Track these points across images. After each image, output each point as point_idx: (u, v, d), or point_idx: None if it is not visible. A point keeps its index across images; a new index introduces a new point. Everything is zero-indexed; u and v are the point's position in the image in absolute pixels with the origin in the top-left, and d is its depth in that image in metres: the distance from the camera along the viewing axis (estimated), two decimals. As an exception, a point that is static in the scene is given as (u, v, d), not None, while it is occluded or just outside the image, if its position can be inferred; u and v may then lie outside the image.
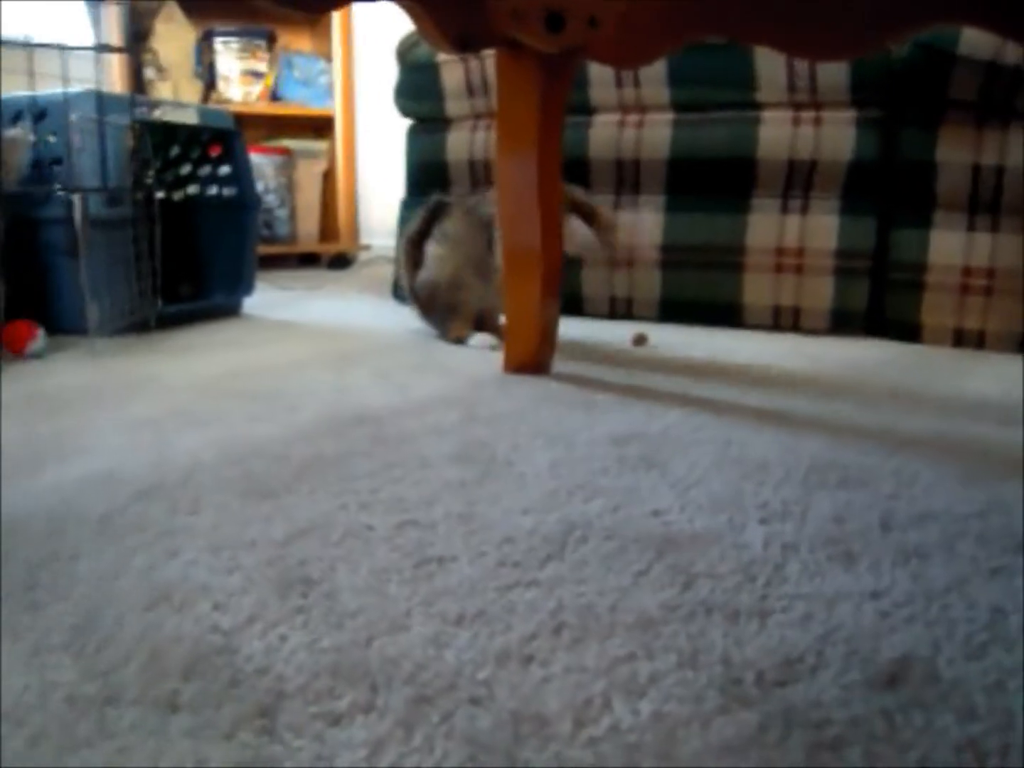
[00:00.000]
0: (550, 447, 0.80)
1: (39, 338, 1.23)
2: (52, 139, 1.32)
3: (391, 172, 2.70)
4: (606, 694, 0.41)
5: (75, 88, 1.26)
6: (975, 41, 1.33)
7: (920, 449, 0.82)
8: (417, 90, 1.72)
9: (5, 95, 1.27)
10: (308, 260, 2.76)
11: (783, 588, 0.52)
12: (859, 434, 0.87)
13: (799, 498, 0.68)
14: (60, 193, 1.24)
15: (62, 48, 1.11)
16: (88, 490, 0.69)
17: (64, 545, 0.58)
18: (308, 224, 2.67)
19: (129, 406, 0.96)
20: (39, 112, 1.29)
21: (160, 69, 2.05)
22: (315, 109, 2.56)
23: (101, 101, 1.23)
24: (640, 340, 1.35)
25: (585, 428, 0.87)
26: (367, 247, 2.75)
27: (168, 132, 1.47)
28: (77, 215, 1.18)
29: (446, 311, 1.35)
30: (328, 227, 2.70)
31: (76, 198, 1.19)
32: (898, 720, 0.39)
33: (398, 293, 1.83)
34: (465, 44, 1.00)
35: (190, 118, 1.45)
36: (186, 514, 0.64)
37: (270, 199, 2.51)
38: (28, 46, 1.19)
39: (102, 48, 1.37)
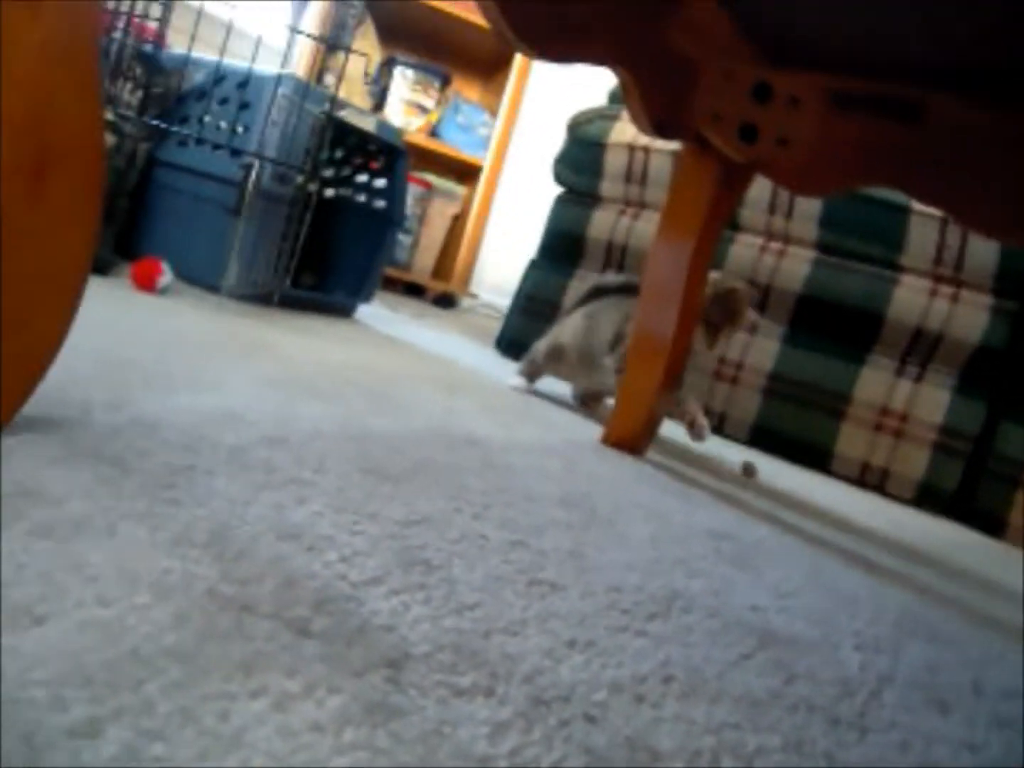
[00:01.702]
0: (649, 520, 0.81)
1: (167, 274, 1.27)
2: (240, 111, 1.41)
3: (516, 232, 2.79)
4: (715, 751, 0.41)
5: (266, 68, 1.36)
6: None
7: (1004, 631, 0.81)
8: (579, 163, 1.78)
9: (225, 61, 1.36)
10: (415, 291, 2.83)
11: (881, 712, 0.52)
12: (944, 602, 0.86)
13: (891, 638, 0.67)
14: (240, 156, 1.31)
15: (293, 31, 1.19)
16: (219, 421, 0.71)
17: (200, 461, 0.61)
18: (426, 258, 2.75)
19: (253, 364, 0.99)
20: (244, 81, 1.37)
21: (345, 76, 2.17)
22: (467, 155, 2.67)
23: (306, 87, 1.31)
24: (749, 471, 1.26)
25: (681, 513, 0.87)
26: (474, 295, 2.82)
27: (343, 133, 1.55)
28: (251, 180, 1.24)
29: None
30: (443, 266, 2.78)
31: (255, 164, 1.26)
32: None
33: (501, 345, 1.87)
34: (661, 128, 1.05)
35: (368, 126, 1.53)
36: (311, 471, 0.66)
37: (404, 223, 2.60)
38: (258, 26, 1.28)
39: (320, 40, 1.46)
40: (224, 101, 1.45)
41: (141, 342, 0.93)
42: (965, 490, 1.44)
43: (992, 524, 1.42)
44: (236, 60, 1.43)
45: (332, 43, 1.47)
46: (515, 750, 0.37)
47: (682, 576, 0.66)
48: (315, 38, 1.86)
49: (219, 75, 1.42)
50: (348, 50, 1.33)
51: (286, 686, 0.37)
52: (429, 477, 0.73)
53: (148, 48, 1.29)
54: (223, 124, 1.41)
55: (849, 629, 0.66)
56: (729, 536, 0.84)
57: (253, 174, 1.26)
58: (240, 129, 1.41)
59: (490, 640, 0.46)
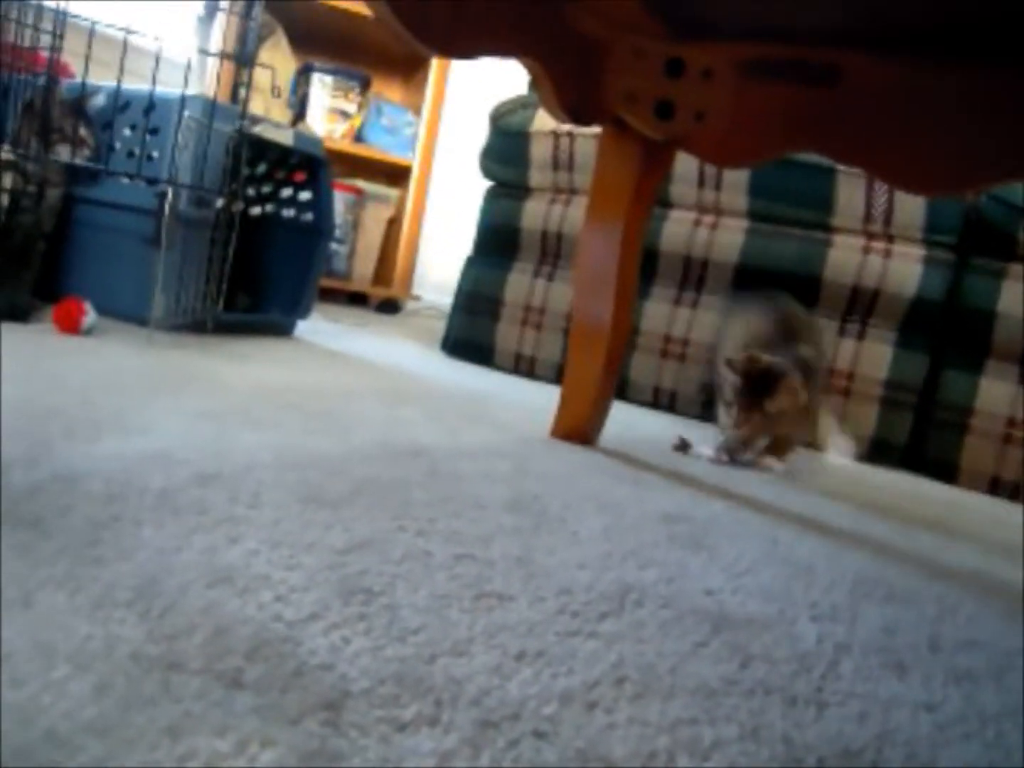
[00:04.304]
0: (600, 512, 0.80)
1: (90, 313, 1.23)
2: (149, 137, 1.37)
3: (453, 230, 2.77)
4: (671, 751, 0.40)
5: (167, 89, 1.32)
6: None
7: (960, 581, 0.82)
8: (504, 155, 1.77)
9: (123, 86, 1.32)
10: (357, 299, 2.80)
11: (838, 684, 0.52)
12: (899, 556, 0.86)
13: (847, 605, 0.67)
14: (155, 184, 1.27)
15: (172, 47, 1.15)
16: (148, 465, 0.69)
17: (126, 511, 0.58)
18: (365, 265, 2.72)
19: (186, 397, 0.96)
20: (149, 105, 1.34)
21: (259, 90, 2.13)
22: (394, 157, 2.64)
23: (213, 107, 1.28)
24: (684, 446, 1.23)
25: (634, 501, 0.87)
26: (417, 298, 2.79)
27: (261, 148, 1.52)
28: (167, 208, 1.21)
29: None
30: (383, 272, 2.75)
31: (170, 192, 1.22)
32: (966, 834, 0.38)
33: (447, 346, 1.86)
34: (577, 115, 1.04)
35: (286, 140, 1.50)
36: (246, 506, 0.64)
37: (335, 233, 2.56)
38: (158, 42, 1.24)
39: (226, 56, 1.42)
40: (133, 127, 1.41)
41: (63, 388, 0.90)
42: (916, 441, 1.46)
43: (945, 471, 1.44)
44: (140, 81, 1.39)
45: (236, 58, 1.43)
46: (462, 781, 0.36)
47: (634, 568, 0.66)
48: (211, 54, 1.81)
49: (124, 101, 1.38)
50: (252, 64, 1.30)
51: (216, 746, 0.35)
52: (371, 497, 0.71)
53: (43, 80, 1.24)
54: (135, 152, 1.38)
55: (805, 601, 0.66)
56: (682, 518, 0.83)
57: (168, 202, 1.23)
58: (155, 154, 1.37)
59: (435, 664, 0.45)
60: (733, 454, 1.18)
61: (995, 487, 1.40)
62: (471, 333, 1.81)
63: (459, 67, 2.70)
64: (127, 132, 1.42)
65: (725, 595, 0.63)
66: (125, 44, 1.24)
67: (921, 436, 1.46)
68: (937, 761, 0.45)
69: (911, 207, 1.46)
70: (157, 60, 1.25)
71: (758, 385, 1.13)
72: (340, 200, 2.53)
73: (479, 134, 1.85)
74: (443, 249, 2.89)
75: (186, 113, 1.26)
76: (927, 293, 1.46)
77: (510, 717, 0.41)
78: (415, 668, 0.44)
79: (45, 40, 1.21)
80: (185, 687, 0.39)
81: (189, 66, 1.23)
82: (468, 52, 0.86)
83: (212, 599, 0.48)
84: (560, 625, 0.52)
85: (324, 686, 0.41)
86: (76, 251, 1.42)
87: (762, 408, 1.13)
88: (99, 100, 1.38)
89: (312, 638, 0.45)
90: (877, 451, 1.47)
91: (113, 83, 1.31)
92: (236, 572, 0.52)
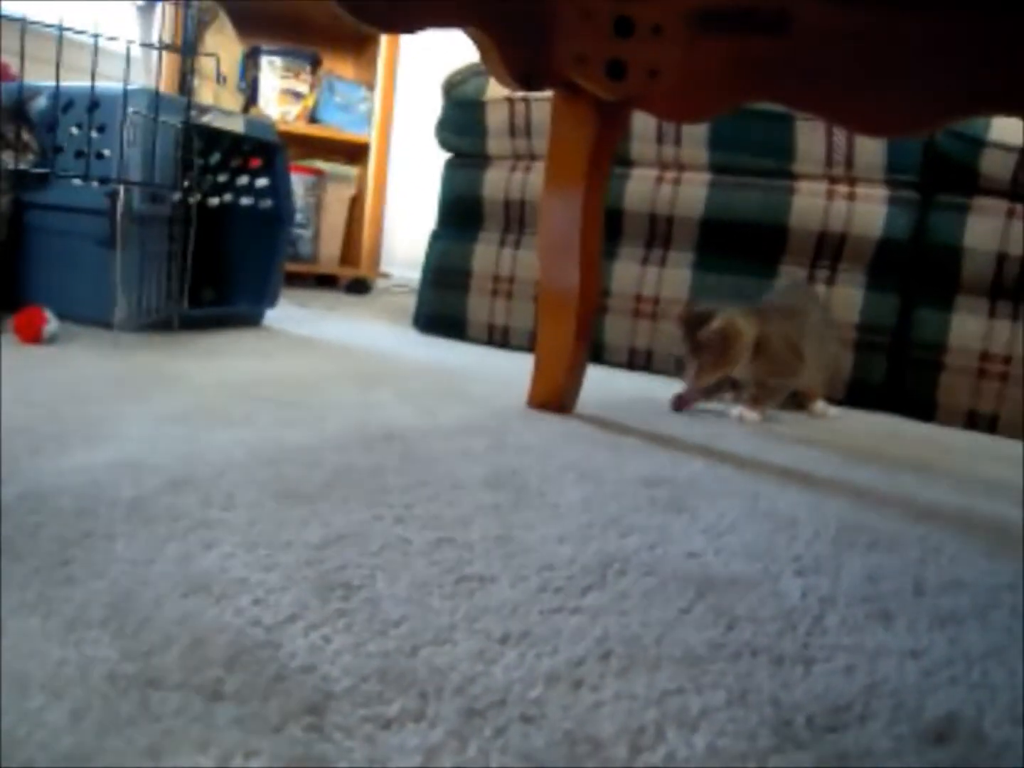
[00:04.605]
0: (580, 482, 0.80)
1: (51, 320, 1.21)
2: (96, 135, 1.34)
3: (418, 204, 2.74)
4: (659, 724, 0.40)
5: (110, 84, 1.29)
6: (1006, 129, 1.37)
7: (942, 521, 0.82)
8: (460, 125, 1.74)
9: (65, 84, 1.29)
10: (326, 282, 2.77)
11: (824, 639, 0.52)
12: (881, 501, 0.87)
13: (831, 555, 0.67)
14: (107, 184, 1.25)
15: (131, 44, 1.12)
16: (117, 475, 0.68)
17: (97, 525, 0.58)
18: (330, 246, 2.68)
19: (155, 400, 0.95)
20: (92, 103, 1.30)
21: (206, 78, 2.09)
22: (351, 135, 2.59)
23: (158, 99, 1.25)
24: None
25: (613, 468, 0.87)
26: (386, 275, 2.77)
27: (212, 138, 1.48)
28: (119, 208, 1.18)
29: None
30: (350, 252, 2.72)
31: (121, 191, 1.20)
32: (955, 780, 0.39)
33: (419, 322, 1.84)
34: (527, 81, 1.02)
35: (236, 127, 1.47)
36: (220, 509, 0.63)
37: (297, 218, 2.52)
38: (96, 37, 1.21)
39: (166, 47, 1.39)
40: (79, 126, 1.37)
41: (27, 401, 0.89)
42: (892, 381, 1.47)
43: (922, 409, 1.44)
44: (83, 77, 1.35)
45: (175, 48, 1.40)
46: (450, 775, 0.36)
47: (615, 536, 0.65)
48: (152, 46, 1.76)
49: (66, 100, 1.34)
50: (195, 53, 1.26)
51: (198, 762, 0.35)
52: (347, 487, 0.71)
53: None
54: (84, 151, 1.34)
55: (788, 555, 0.66)
56: (663, 481, 0.83)
57: (120, 201, 1.20)
58: (106, 152, 1.34)
59: (417, 656, 0.44)
60: (686, 402, 1.24)
61: (972, 421, 1.41)
62: (442, 308, 1.80)
63: (410, 39, 2.65)
64: (74, 131, 1.38)
65: (708, 556, 0.64)
66: (60, 40, 1.20)
67: (897, 376, 1.47)
68: (924, 709, 0.45)
69: (871, 149, 1.45)
70: (95, 54, 1.21)
71: (695, 331, 1.17)
72: (299, 182, 2.50)
73: (436, 105, 1.81)
74: (409, 224, 2.86)
75: (131, 108, 1.23)
76: (893, 233, 1.46)
77: (496, 704, 0.41)
78: (398, 662, 0.44)
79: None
80: (164, 704, 0.39)
81: (129, 58, 1.20)
82: (411, 27, 0.84)
83: (188, 609, 0.47)
84: (543, 603, 0.52)
85: (306, 689, 0.40)
86: (31, 258, 1.39)
87: (700, 353, 1.18)
88: (40, 102, 1.34)
89: (292, 640, 0.45)
90: (854, 394, 1.48)
91: (54, 82, 1.28)
92: (212, 579, 0.51)
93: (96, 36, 1.22)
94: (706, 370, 1.19)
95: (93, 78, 1.23)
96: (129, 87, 1.26)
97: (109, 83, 1.33)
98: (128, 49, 1.22)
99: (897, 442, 1.23)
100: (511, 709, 0.40)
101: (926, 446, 1.22)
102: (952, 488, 0.96)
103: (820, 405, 1.37)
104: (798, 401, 1.36)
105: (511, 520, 0.67)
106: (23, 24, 1.19)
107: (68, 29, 1.20)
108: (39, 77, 1.40)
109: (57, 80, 1.24)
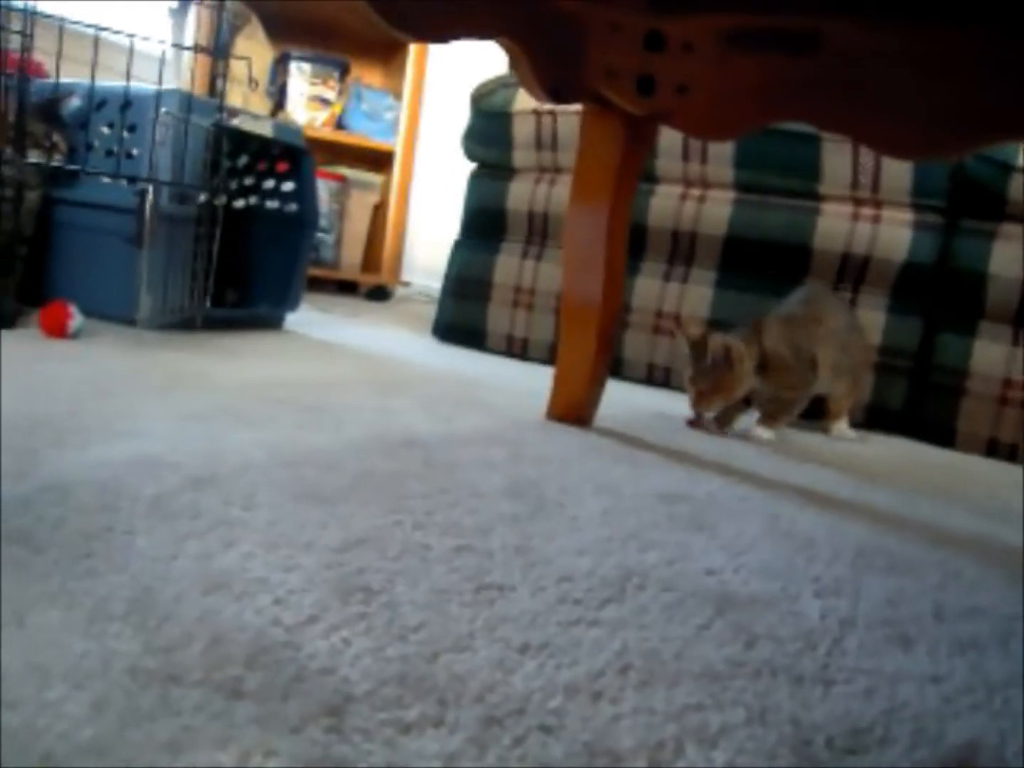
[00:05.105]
0: (599, 495, 0.80)
1: (76, 316, 1.22)
2: (127, 134, 1.35)
3: (441, 213, 2.75)
4: (678, 739, 0.40)
5: (143, 85, 1.30)
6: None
7: (961, 546, 0.81)
8: (487, 136, 1.75)
9: (98, 84, 1.30)
10: (347, 287, 2.79)
11: (844, 660, 0.51)
12: (900, 524, 0.86)
13: (850, 577, 0.67)
14: (135, 183, 1.26)
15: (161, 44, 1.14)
16: (138, 471, 0.68)
17: (118, 520, 0.58)
18: (352, 253, 2.70)
19: (177, 398, 0.96)
20: (125, 103, 1.32)
21: (237, 82, 2.11)
22: (377, 142, 2.61)
23: (189, 101, 1.26)
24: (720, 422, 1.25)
25: (631, 482, 0.86)
26: (407, 283, 2.78)
27: (241, 141, 1.50)
28: (147, 206, 1.19)
29: None
30: (371, 258, 2.73)
31: (150, 189, 1.21)
32: (978, 809, 0.38)
33: (438, 331, 1.85)
34: (557, 94, 1.02)
35: (265, 131, 1.48)
36: (240, 508, 0.63)
37: (320, 223, 2.54)
38: (131, 37, 1.22)
39: (199, 49, 1.40)
40: (111, 125, 1.39)
41: (52, 395, 0.89)
42: (912, 406, 1.46)
43: (942, 435, 1.43)
44: (116, 77, 1.36)
45: (210, 50, 1.41)
46: (468, 782, 0.35)
47: (635, 551, 0.65)
48: (185, 48, 1.78)
49: (100, 99, 1.36)
50: (227, 56, 1.28)
51: (218, 759, 0.35)
52: (367, 491, 0.71)
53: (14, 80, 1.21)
54: (114, 150, 1.36)
55: (808, 576, 0.66)
56: (681, 497, 0.83)
57: (149, 199, 1.21)
58: (135, 152, 1.35)
59: (437, 662, 0.44)
60: (696, 421, 1.24)
61: (993, 449, 1.40)
62: (462, 317, 1.80)
63: (439, 48, 2.67)
64: (105, 130, 1.40)
65: (727, 574, 0.63)
66: (96, 41, 1.22)
67: (917, 401, 1.46)
68: (945, 734, 0.44)
69: (898, 171, 1.45)
70: (131, 55, 1.23)
71: (699, 358, 1.17)
72: (324, 188, 2.51)
73: (461, 116, 1.82)
74: (431, 233, 2.87)
75: (163, 109, 1.24)
76: (918, 257, 1.45)
77: (515, 713, 0.41)
78: (417, 667, 0.44)
79: (14, 40, 1.18)
80: (184, 700, 0.39)
81: (163, 60, 1.21)
82: (443, 36, 0.84)
83: (209, 607, 0.47)
84: (562, 614, 0.52)
85: (326, 691, 0.40)
86: (59, 253, 1.40)
87: (699, 380, 1.18)
88: (74, 102, 1.36)
89: (312, 641, 0.45)
90: (874, 417, 1.47)
91: (88, 80, 1.29)
92: (232, 577, 0.51)
93: (132, 37, 1.23)
94: (707, 397, 1.18)
95: (128, 78, 1.24)
96: (163, 88, 1.28)
97: (142, 84, 1.34)
98: (164, 52, 1.23)
99: (916, 467, 1.22)
100: (530, 719, 0.40)
101: (945, 472, 1.22)
102: (971, 514, 0.96)
103: (839, 426, 1.36)
104: (821, 416, 1.35)
105: (530, 530, 0.67)
106: (61, 24, 1.21)
107: (105, 29, 1.21)
108: (69, 77, 1.42)
109: (92, 79, 1.25)
